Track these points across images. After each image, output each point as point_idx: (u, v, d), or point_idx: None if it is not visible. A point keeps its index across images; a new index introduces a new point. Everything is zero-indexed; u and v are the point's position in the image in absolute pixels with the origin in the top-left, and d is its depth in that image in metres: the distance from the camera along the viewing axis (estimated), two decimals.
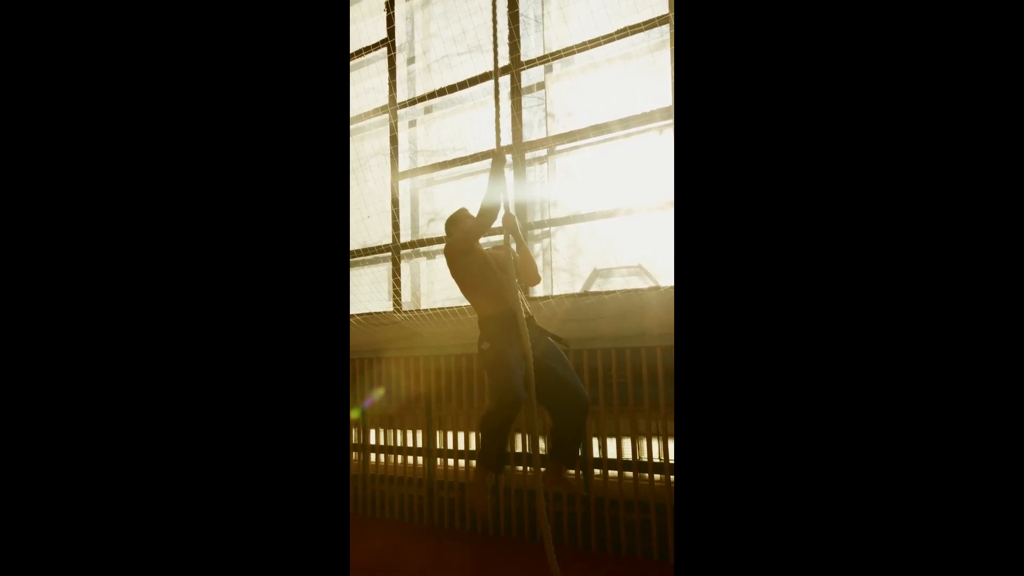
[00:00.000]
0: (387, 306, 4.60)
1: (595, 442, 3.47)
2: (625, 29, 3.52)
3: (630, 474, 3.33)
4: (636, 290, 3.46)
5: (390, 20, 4.62)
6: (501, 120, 2.78)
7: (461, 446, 4.01)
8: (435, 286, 4.54)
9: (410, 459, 4.25)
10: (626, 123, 3.56)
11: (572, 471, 2.88)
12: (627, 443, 3.37)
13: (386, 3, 4.65)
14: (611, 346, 3.43)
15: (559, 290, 3.90)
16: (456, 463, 4.01)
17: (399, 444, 4.31)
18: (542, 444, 3.43)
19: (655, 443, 3.27)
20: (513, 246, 2.71)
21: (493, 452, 2.54)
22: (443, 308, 4.11)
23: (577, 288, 3.84)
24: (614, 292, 3.48)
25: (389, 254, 4.61)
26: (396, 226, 4.54)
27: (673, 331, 3.23)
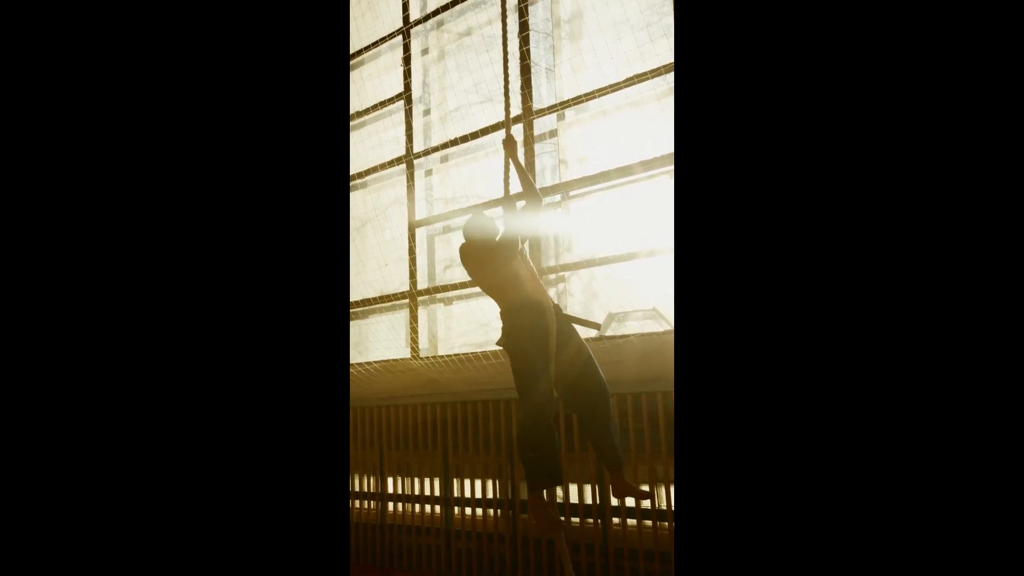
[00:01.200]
0: (404, 353, 4.62)
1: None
2: (632, 78, 3.58)
3: (649, 523, 3.26)
4: (652, 334, 3.44)
5: (406, 74, 4.76)
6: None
7: (479, 494, 3.96)
8: (452, 332, 4.56)
9: (427, 508, 4.20)
10: (637, 168, 3.60)
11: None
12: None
13: (403, 59, 4.80)
14: (627, 391, 3.40)
15: None
16: (474, 512, 3.95)
17: (416, 493, 4.27)
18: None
19: (673, 491, 3.20)
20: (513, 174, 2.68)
21: (540, 469, 2.27)
22: (460, 354, 4.11)
23: (592, 333, 3.82)
24: (629, 336, 3.46)
25: (407, 301, 4.65)
26: (413, 273, 4.59)
27: None
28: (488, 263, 2.56)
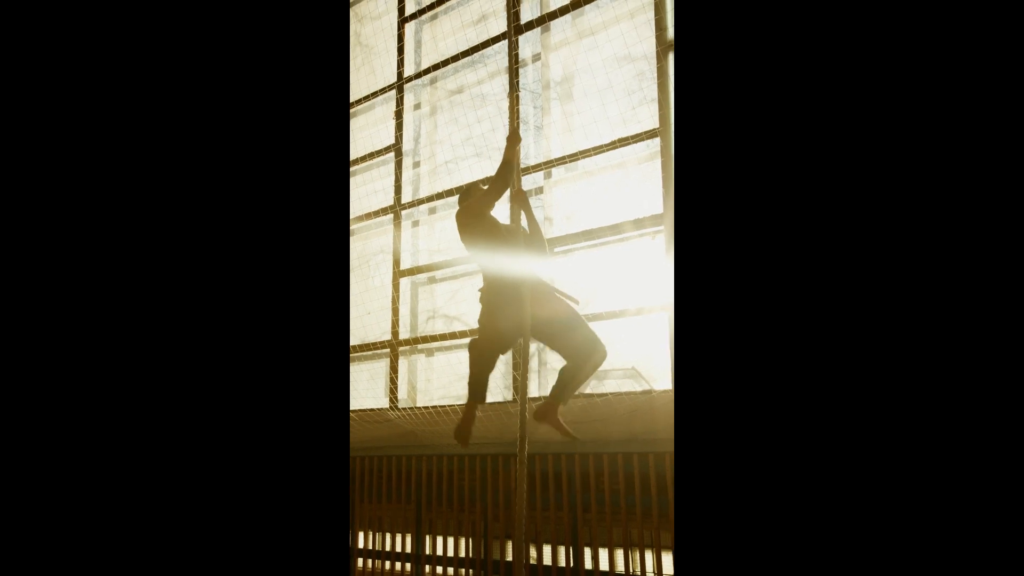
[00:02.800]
0: (383, 402, 4.57)
1: (587, 552, 3.34)
2: (616, 141, 3.67)
3: None
4: (631, 393, 3.44)
5: (398, 127, 4.85)
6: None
7: (451, 552, 3.87)
8: (432, 384, 4.52)
9: (398, 565, 4.09)
10: (622, 227, 3.66)
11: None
12: (619, 555, 3.23)
13: (395, 112, 4.90)
14: (604, 451, 3.37)
15: None
16: (446, 570, 3.85)
17: (387, 548, 4.16)
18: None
19: (648, 556, 3.14)
20: (524, 223, 2.79)
21: (477, 386, 2.75)
22: (440, 406, 4.08)
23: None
24: (607, 395, 3.45)
25: (387, 350, 4.63)
26: (395, 323, 4.59)
27: (667, 437, 3.17)
28: (487, 226, 2.76)
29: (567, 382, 2.67)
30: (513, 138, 2.73)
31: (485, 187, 2.79)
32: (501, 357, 2.79)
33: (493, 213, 2.82)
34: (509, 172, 2.68)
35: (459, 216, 2.81)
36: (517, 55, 4.21)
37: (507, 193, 2.77)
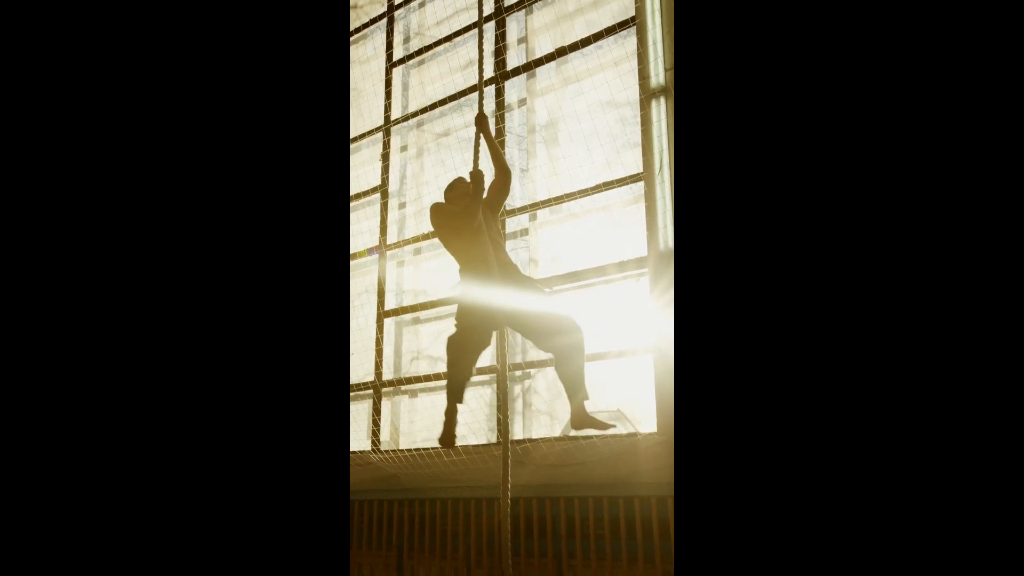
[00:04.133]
0: (365, 444, 4.49)
1: None
2: (600, 185, 3.73)
3: None
4: (616, 436, 3.41)
5: (384, 169, 4.90)
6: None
7: None
8: (415, 426, 4.47)
9: None
10: (607, 269, 3.68)
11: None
12: None
13: (382, 155, 4.95)
14: (589, 495, 3.33)
15: (538, 433, 3.84)
16: None
17: None
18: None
19: None
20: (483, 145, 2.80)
21: (455, 387, 2.69)
22: (422, 449, 4.02)
23: (556, 432, 3.78)
24: (592, 438, 3.42)
25: (370, 391, 4.57)
26: (379, 364, 4.55)
27: (654, 480, 3.15)
28: (455, 223, 2.79)
29: (571, 375, 2.63)
30: (481, 120, 2.82)
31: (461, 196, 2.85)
32: (482, 355, 2.77)
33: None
34: (479, 204, 2.73)
35: (436, 216, 2.85)
36: (501, 35, 4.29)
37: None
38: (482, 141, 2.83)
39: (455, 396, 2.72)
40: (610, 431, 2.70)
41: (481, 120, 2.86)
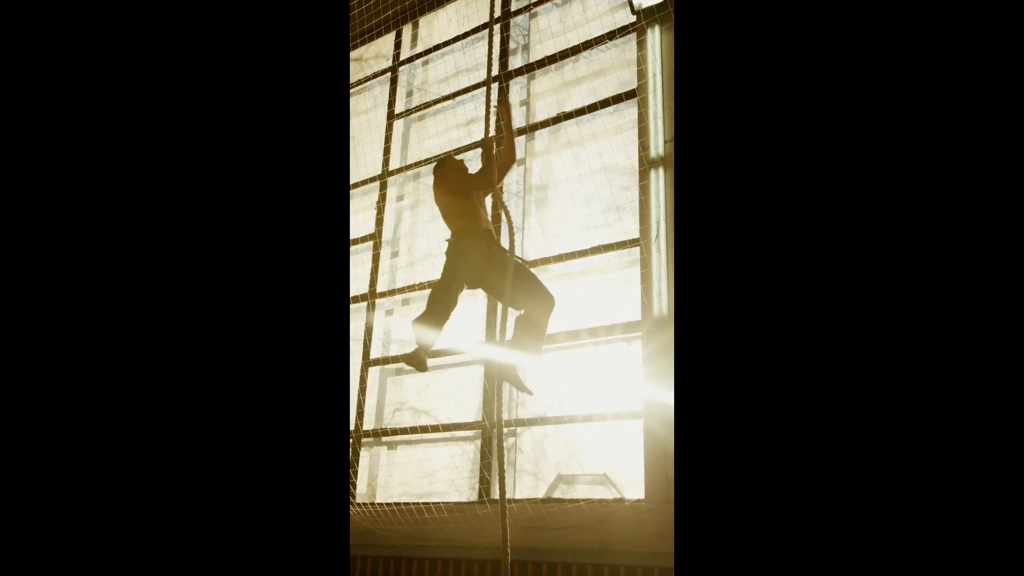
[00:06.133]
0: None
1: None
2: (599, 247, 3.80)
3: None
4: (602, 500, 3.38)
5: (379, 222, 4.93)
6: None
7: None
8: (393, 479, 4.37)
9: None
10: (597, 332, 3.71)
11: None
12: None
13: (377, 205, 4.99)
14: (572, 561, 3.27)
15: (521, 494, 3.78)
16: None
17: None
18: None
19: None
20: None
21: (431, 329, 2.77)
22: (400, 504, 3.92)
23: (541, 493, 3.73)
24: (580, 502, 3.38)
25: (351, 442, 4.48)
26: (361, 414, 4.47)
27: (641, 550, 3.11)
28: (455, 188, 2.95)
29: (528, 330, 2.84)
30: (489, 143, 2.95)
31: (464, 168, 3.03)
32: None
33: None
34: (491, 173, 2.90)
35: (438, 186, 3.00)
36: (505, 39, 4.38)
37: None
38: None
39: (437, 320, 2.76)
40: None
41: (504, 103, 3.11)
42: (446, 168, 3.04)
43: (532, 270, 3.05)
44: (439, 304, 2.73)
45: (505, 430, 3.94)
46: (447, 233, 2.96)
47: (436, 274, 4.45)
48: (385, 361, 4.59)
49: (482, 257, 2.80)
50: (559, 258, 3.97)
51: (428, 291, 4.52)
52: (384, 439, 4.46)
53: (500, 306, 2.85)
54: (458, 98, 4.90)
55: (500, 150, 3.08)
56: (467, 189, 2.92)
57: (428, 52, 5.27)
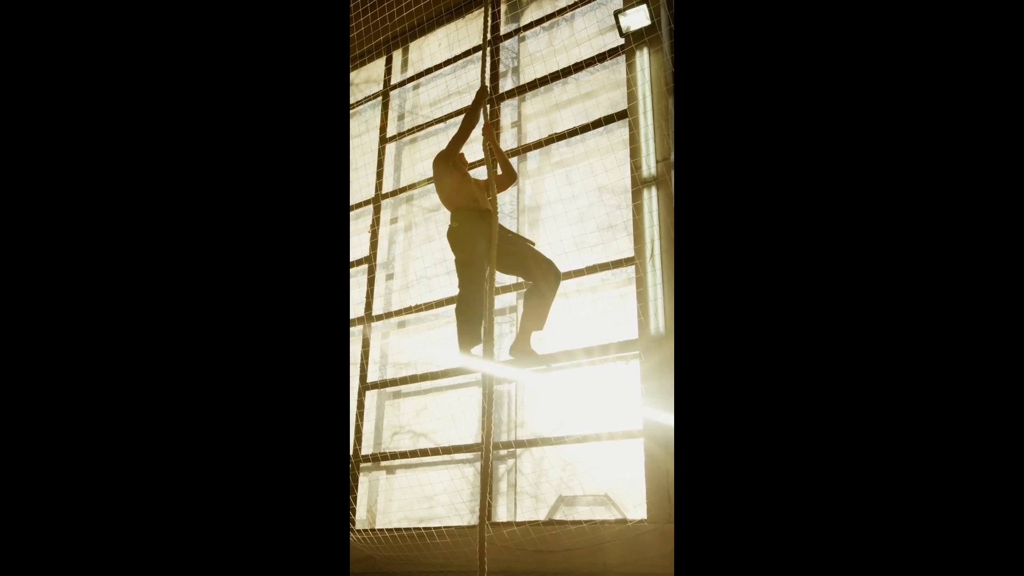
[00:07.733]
0: None
1: None
2: (595, 266, 3.81)
3: None
4: (604, 521, 3.36)
5: (373, 245, 4.93)
6: None
7: None
8: (392, 504, 4.33)
9: None
10: (594, 351, 3.71)
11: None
12: None
13: (372, 230, 4.99)
14: None
15: (522, 516, 3.76)
16: None
17: None
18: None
19: None
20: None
21: (467, 332, 2.86)
22: (400, 529, 3.89)
23: (542, 515, 3.71)
24: (582, 523, 3.37)
25: (348, 466, 4.45)
26: (359, 438, 4.44)
27: (645, 571, 3.09)
28: (445, 154, 3.04)
29: (536, 305, 2.94)
30: (482, 92, 3.03)
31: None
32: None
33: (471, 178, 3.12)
34: (474, 118, 2.98)
35: (434, 167, 3.09)
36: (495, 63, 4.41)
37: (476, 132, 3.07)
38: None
39: (469, 341, 2.85)
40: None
41: (488, 131, 3.15)
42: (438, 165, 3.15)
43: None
44: (464, 314, 2.84)
45: (504, 452, 3.93)
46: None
47: (432, 296, 4.48)
48: (383, 384, 4.57)
49: (487, 241, 2.86)
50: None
51: (423, 312, 4.53)
52: (383, 463, 4.43)
53: (484, 321, 2.88)
54: (449, 121, 4.93)
55: (496, 171, 3.10)
56: (456, 142, 2.99)
57: (419, 76, 5.31)
